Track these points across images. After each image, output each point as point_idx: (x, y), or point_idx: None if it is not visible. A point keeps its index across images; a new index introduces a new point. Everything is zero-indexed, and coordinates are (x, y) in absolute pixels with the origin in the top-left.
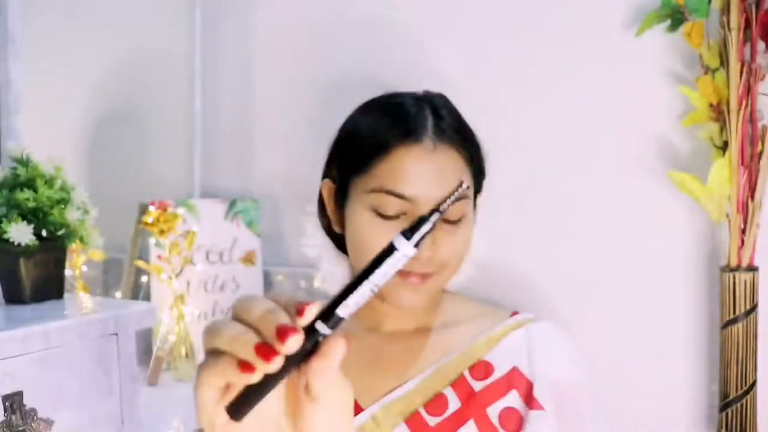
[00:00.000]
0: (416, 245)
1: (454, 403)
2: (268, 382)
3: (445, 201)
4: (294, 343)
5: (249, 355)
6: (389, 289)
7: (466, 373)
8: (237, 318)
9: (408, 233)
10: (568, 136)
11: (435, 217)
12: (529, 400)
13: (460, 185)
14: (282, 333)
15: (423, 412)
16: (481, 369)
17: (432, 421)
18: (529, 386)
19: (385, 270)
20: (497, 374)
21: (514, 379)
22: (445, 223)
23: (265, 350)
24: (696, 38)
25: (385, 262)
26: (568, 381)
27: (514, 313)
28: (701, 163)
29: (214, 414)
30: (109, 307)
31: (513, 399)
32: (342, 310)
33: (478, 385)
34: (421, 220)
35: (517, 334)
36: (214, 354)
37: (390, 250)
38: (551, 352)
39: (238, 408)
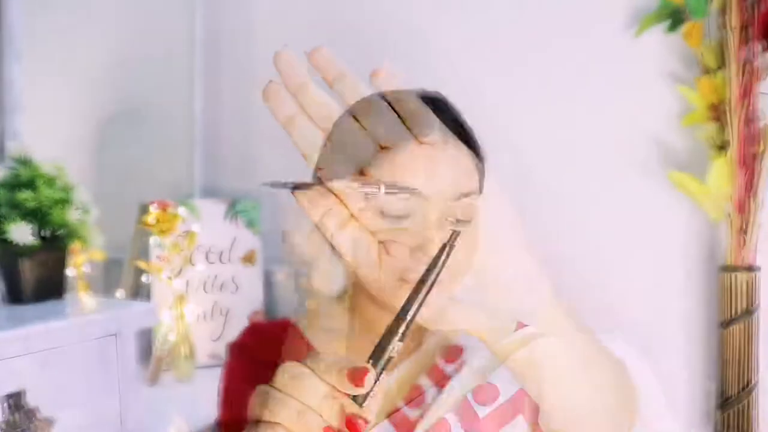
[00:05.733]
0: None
1: (430, 393)
2: None
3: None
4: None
5: None
6: (388, 293)
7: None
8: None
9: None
10: (567, 137)
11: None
12: (536, 426)
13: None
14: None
15: (403, 406)
16: (486, 393)
17: (411, 414)
18: (536, 410)
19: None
20: (502, 399)
21: (520, 402)
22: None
23: None
24: (695, 38)
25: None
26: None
27: (520, 325)
28: (699, 163)
29: None
30: (109, 307)
31: (519, 424)
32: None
33: (449, 368)
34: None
35: (524, 352)
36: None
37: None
38: (560, 373)
39: None
